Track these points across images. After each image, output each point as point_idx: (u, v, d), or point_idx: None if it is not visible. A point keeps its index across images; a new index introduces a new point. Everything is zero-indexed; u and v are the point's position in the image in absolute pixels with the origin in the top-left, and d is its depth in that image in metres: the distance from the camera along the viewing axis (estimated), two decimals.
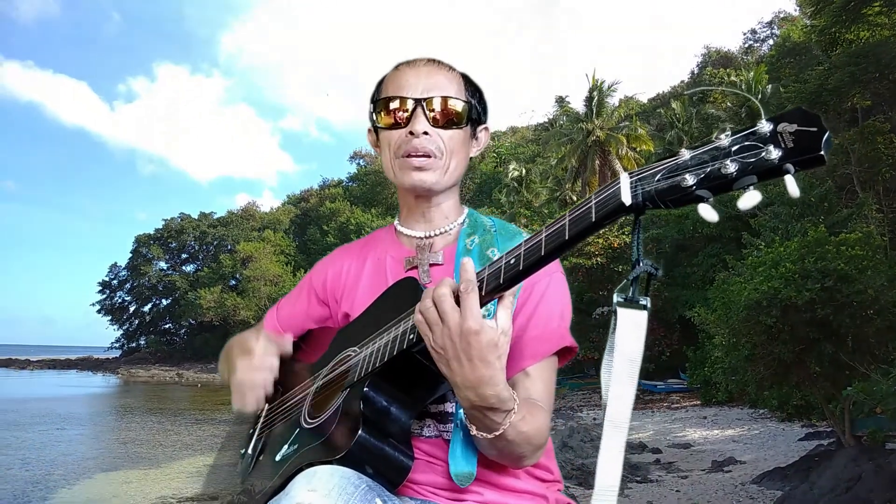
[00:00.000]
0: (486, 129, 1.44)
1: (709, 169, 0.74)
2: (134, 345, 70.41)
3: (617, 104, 33.30)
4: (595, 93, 31.21)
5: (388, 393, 1.14)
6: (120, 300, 72.00)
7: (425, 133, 1.29)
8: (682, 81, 47.51)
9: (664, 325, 22.33)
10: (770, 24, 45.85)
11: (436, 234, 1.38)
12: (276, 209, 70.34)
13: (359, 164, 66.58)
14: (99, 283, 72.20)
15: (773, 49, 29.40)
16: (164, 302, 68.66)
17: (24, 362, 72.08)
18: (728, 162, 0.73)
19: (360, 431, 1.07)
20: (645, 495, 7.99)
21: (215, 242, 67.80)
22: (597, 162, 30.07)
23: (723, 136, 0.75)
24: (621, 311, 0.83)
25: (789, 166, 0.70)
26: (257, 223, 66.99)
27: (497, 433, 1.07)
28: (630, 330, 0.83)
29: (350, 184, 65.15)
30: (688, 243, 22.75)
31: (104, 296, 71.89)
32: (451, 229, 1.39)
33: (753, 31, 47.89)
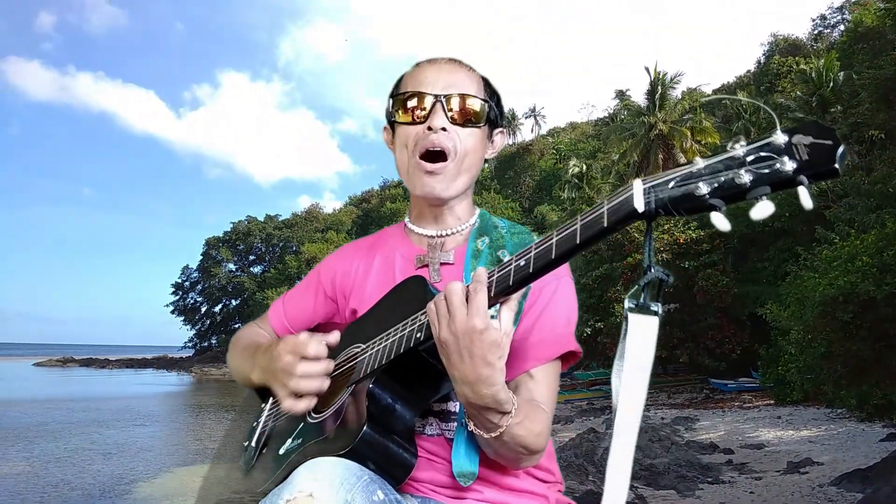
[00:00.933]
0: (502, 132, 1.44)
1: (723, 178, 0.75)
2: (206, 344, 72.78)
3: (680, 96, 32.52)
4: (657, 85, 30.57)
5: (394, 390, 1.15)
6: (192, 301, 74.60)
7: (443, 129, 1.29)
8: (749, 71, 46.09)
9: (734, 322, 21.71)
10: (841, 8, 44.09)
11: (447, 234, 1.39)
12: (339, 210, 71.66)
13: None
14: (172, 284, 75.03)
15: (845, 35, 28.23)
16: (234, 302, 70.77)
17: (103, 361, 75.43)
18: (742, 172, 0.73)
19: (364, 427, 1.08)
20: (717, 497, 7.80)
21: (281, 244, 69.48)
22: (660, 156, 29.44)
23: (737, 145, 0.75)
24: (632, 317, 0.82)
25: (803, 178, 0.70)
26: (321, 224, 68.31)
27: (494, 434, 1.09)
28: (641, 336, 0.82)
29: None
30: (757, 237, 22.03)
31: (177, 297, 74.63)
32: (462, 230, 1.40)
33: (823, 17, 46.18)
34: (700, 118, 29.56)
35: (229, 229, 73.72)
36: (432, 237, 1.39)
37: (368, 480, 1.03)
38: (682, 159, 28.64)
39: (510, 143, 72.41)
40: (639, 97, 34.28)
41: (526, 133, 75.84)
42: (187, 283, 75.15)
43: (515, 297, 1.03)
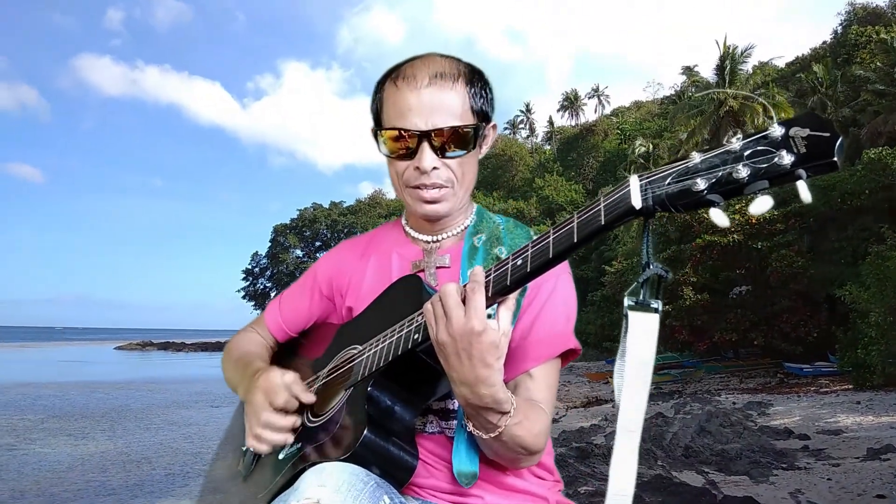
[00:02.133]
0: (494, 126, 1.36)
1: (720, 173, 0.74)
2: None
3: (751, 71, 31.33)
4: (727, 60, 29.52)
5: (393, 392, 1.14)
6: (262, 286, 76.87)
7: (434, 168, 1.24)
8: (825, 42, 43.94)
9: (810, 304, 20.91)
10: None
11: (444, 238, 1.37)
12: None
13: None
14: (243, 270, 77.37)
15: None
16: None
17: (180, 345, 78.57)
18: (740, 166, 0.72)
19: (365, 431, 1.07)
20: (792, 483, 7.56)
21: (345, 230, 70.64)
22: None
23: (734, 139, 0.74)
24: (632, 315, 0.81)
25: (802, 172, 0.69)
26: (384, 210, 69.06)
27: (493, 434, 1.08)
28: (641, 333, 0.81)
29: None
30: (836, 216, 21.11)
31: (248, 283, 77.04)
32: (458, 231, 1.37)
33: None
34: (773, 93, 28.42)
35: (295, 216, 75.46)
36: (428, 242, 1.37)
37: (374, 486, 1.02)
38: None
39: (573, 124, 71.43)
40: (707, 73, 33.15)
41: (589, 113, 74.72)
42: (257, 269, 77.45)
43: (513, 296, 1.02)
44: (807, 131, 0.69)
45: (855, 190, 20.18)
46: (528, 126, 76.18)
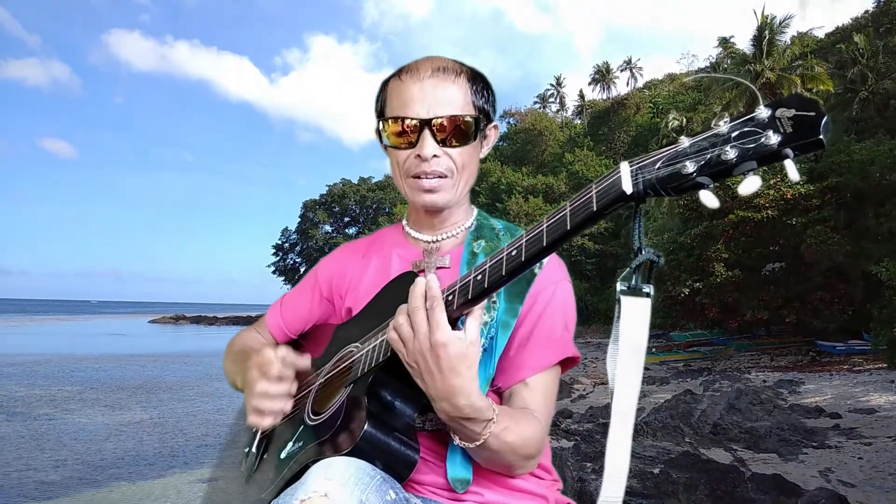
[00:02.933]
0: (496, 126, 1.38)
1: (709, 156, 0.75)
2: None
3: (789, 42, 30.47)
4: (765, 30, 28.73)
5: (392, 387, 1.14)
6: (291, 262, 77.70)
7: (435, 156, 1.25)
8: (867, 12, 42.51)
9: (844, 281, 20.49)
10: None
11: (444, 238, 1.37)
12: None
13: (509, 122, 66.26)
14: (273, 245, 78.18)
15: None
16: None
17: (212, 319, 79.96)
18: (728, 148, 0.74)
19: (366, 426, 1.07)
20: (822, 461, 7.49)
21: (374, 206, 70.91)
22: None
23: (721, 122, 0.76)
24: (625, 300, 0.82)
25: (788, 151, 0.71)
26: None
27: (478, 443, 1.08)
28: (634, 318, 0.81)
29: (500, 143, 65.08)
30: (873, 192, 20.57)
31: (278, 258, 77.87)
32: (458, 233, 1.38)
33: None
34: (811, 64, 27.62)
35: (324, 192, 75.84)
36: (428, 242, 1.38)
37: (381, 480, 1.03)
38: None
39: (604, 97, 70.41)
40: (744, 44, 32.30)
41: (621, 87, 73.56)
42: (287, 245, 78.22)
43: (479, 306, 1.03)
44: (792, 111, 0.71)
45: (894, 165, 19.64)
46: (558, 100, 75.23)
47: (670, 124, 34.86)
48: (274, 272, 78.01)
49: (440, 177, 1.28)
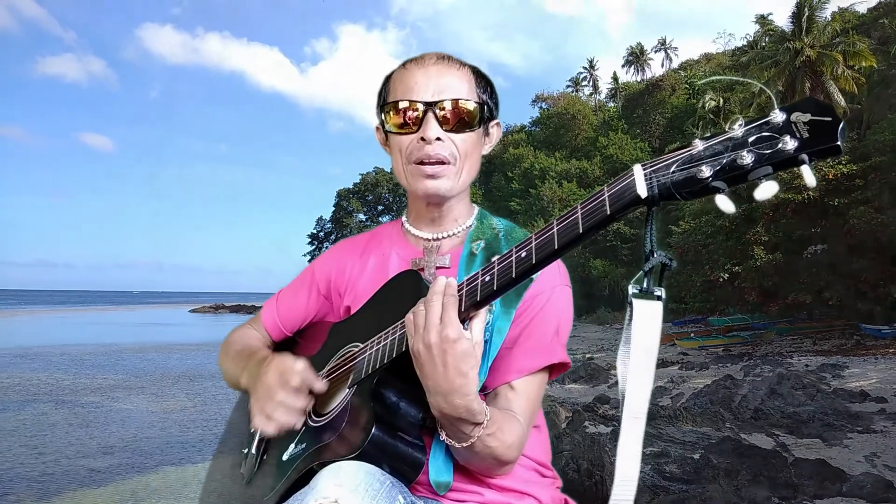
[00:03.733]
0: (498, 124, 1.39)
1: (724, 160, 0.74)
2: None
3: (830, 17, 29.58)
4: (804, 6, 27.93)
5: (398, 388, 1.14)
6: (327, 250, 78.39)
7: (438, 139, 1.25)
8: None
9: (890, 262, 19.92)
10: None
11: (444, 237, 1.36)
12: None
13: (541, 107, 65.70)
14: (308, 235, 78.98)
15: None
16: None
17: (250, 308, 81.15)
18: (744, 153, 0.72)
19: (373, 429, 1.06)
20: (867, 446, 7.34)
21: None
22: (807, 85, 27.09)
23: (736, 126, 0.75)
24: (637, 303, 0.81)
25: (805, 156, 0.70)
26: None
27: (465, 444, 1.09)
28: (646, 321, 0.80)
29: (533, 128, 64.58)
30: None
31: (313, 247, 78.63)
32: (458, 232, 1.36)
33: None
34: (853, 40, 26.78)
35: (358, 181, 76.24)
36: (428, 240, 1.36)
37: (390, 486, 1.03)
38: (833, 88, 26.27)
39: (638, 79, 69.30)
40: (783, 21, 31.43)
41: (656, 68, 72.33)
42: (322, 234, 78.91)
43: (484, 308, 1.04)
44: (808, 116, 0.70)
45: None
46: (591, 83, 74.29)
47: (707, 105, 34.20)
48: (310, 261, 78.84)
49: (442, 162, 1.27)
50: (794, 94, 27.17)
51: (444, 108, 1.25)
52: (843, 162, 20.90)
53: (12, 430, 10.98)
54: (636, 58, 73.64)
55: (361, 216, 75.75)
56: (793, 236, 21.67)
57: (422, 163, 1.27)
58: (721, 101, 34.09)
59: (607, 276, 39.37)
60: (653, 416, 7.97)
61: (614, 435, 7.58)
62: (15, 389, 15.28)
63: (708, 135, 0.78)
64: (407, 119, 1.27)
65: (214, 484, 1.51)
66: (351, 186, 77.19)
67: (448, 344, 1.00)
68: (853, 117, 26.53)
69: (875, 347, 16.97)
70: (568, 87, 74.32)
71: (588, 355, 19.89)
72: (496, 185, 56.99)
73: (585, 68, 75.11)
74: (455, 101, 1.26)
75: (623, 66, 74.68)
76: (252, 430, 1.38)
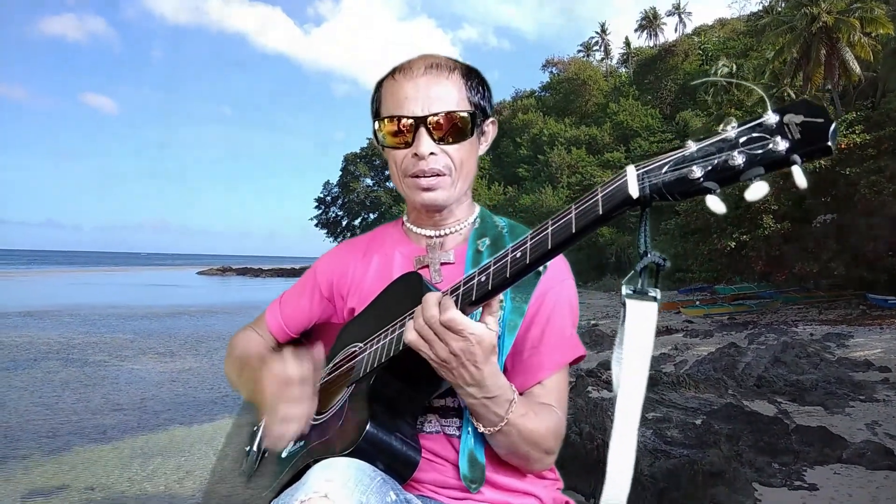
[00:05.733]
0: (493, 122, 1.38)
1: (716, 161, 0.75)
2: None
3: None
4: None
5: (395, 387, 1.15)
6: (334, 215, 78.45)
7: (432, 153, 1.25)
8: None
9: None
10: None
11: (446, 234, 1.37)
12: None
13: (551, 72, 64.93)
14: (315, 199, 78.94)
15: None
16: (372, 216, 73.64)
17: (257, 271, 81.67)
18: (735, 154, 0.74)
19: (368, 426, 1.08)
20: (869, 414, 7.37)
21: None
22: (822, 52, 26.62)
23: (728, 127, 0.76)
24: (630, 303, 0.82)
25: (796, 157, 0.71)
26: None
27: (499, 426, 1.11)
28: (640, 322, 0.81)
29: (542, 94, 63.90)
30: None
31: (320, 211, 78.69)
32: (461, 229, 1.37)
33: None
34: (871, 6, 26.23)
35: (365, 145, 75.86)
36: (431, 237, 1.37)
37: (381, 481, 1.03)
38: (849, 55, 25.81)
39: (651, 45, 68.28)
40: None
41: (669, 33, 71.18)
42: (329, 198, 78.87)
43: (496, 302, 1.06)
44: (801, 118, 0.71)
45: None
46: (602, 48, 73.23)
47: (720, 71, 33.73)
48: (316, 225, 78.99)
49: (438, 175, 1.27)
50: (809, 61, 26.74)
51: (436, 122, 1.24)
52: (857, 131, 20.65)
53: (23, 387, 11.15)
54: (649, 22, 72.41)
55: (369, 181, 75.56)
56: (802, 205, 21.51)
57: (417, 176, 1.28)
58: (734, 67, 33.57)
59: (614, 244, 39.28)
60: (655, 382, 8.01)
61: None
62: (25, 348, 15.48)
63: (701, 136, 0.79)
64: (399, 134, 1.26)
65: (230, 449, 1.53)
66: (358, 151, 76.85)
67: (475, 347, 1.03)
68: (868, 85, 26.12)
69: (881, 317, 16.96)
70: (579, 51, 73.37)
71: (593, 322, 19.96)
72: (504, 151, 56.65)
73: (597, 33, 74.00)
74: (447, 114, 1.25)
75: (635, 30, 73.57)
76: (254, 429, 1.42)
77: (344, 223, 77.56)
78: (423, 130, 1.24)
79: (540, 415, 1.15)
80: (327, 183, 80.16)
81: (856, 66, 26.03)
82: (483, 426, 1.12)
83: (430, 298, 1.05)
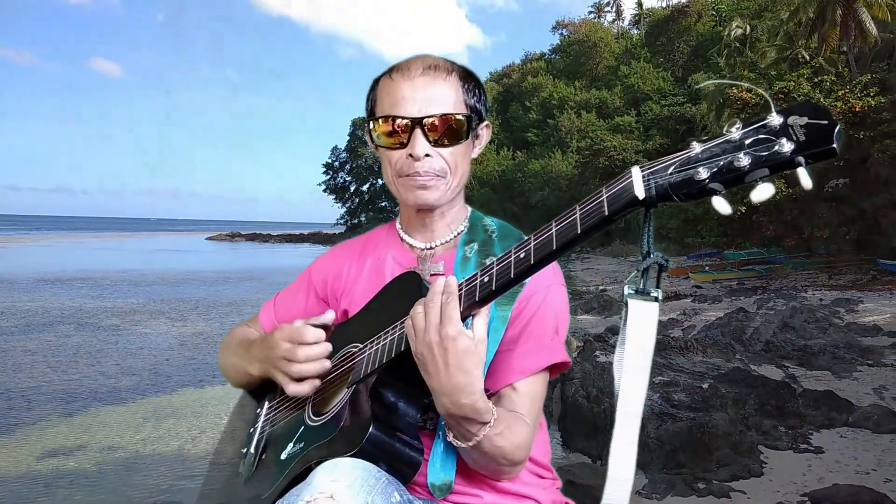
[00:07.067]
0: (488, 126, 1.37)
1: (721, 162, 0.76)
2: (356, 221, 76.76)
3: None
4: None
5: (396, 388, 1.14)
6: (342, 180, 78.19)
7: (427, 155, 1.24)
8: None
9: None
10: None
11: (437, 245, 1.36)
12: None
13: (561, 34, 63.94)
14: (323, 164, 78.72)
15: None
16: (380, 182, 73.35)
17: (266, 236, 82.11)
18: (741, 155, 0.74)
19: (371, 428, 1.07)
20: (877, 379, 7.39)
21: None
22: (838, 12, 26.05)
23: (733, 129, 0.77)
24: (633, 303, 0.83)
25: (801, 159, 0.72)
26: None
27: (471, 443, 1.08)
28: (642, 322, 0.82)
29: (552, 56, 63.02)
30: None
31: (328, 176, 78.46)
32: (451, 239, 1.36)
33: None
34: None
35: None
36: (422, 249, 1.36)
37: (386, 482, 1.04)
38: (865, 15, 25.25)
39: (663, 5, 67.02)
40: None
41: None
42: (336, 163, 78.57)
43: (486, 307, 1.05)
44: (805, 119, 0.72)
45: None
46: (614, 9, 71.91)
47: (733, 33, 33.10)
48: (325, 191, 78.79)
49: (433, 176, 1.27)
50: (824, 21, 26.17)
51: (431, 124, 1.24)
52: (871, 94, 20.30)
53: (36, 351, 11.33)
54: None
55: None
56: (814, 169, 21.25)
57: (411, 177, 1.27)
58: (748, 28, 32.94)
59: None
60: (663, 346, 8.03)
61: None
62: (38, 312, 15.68)
63: (705, 138, 0.79)
64: (395, 134, 1.26)
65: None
66: (366, 116, 76.41)
67: (449, 342, 1.01)
68: (884, 46, 25.62)
69: (891, 283, 16.88)
70: (590, 13, 72.06)
71: (601, 287, 19.97)
72: (513, 115, 56.10)
73: None
74: (443, 116, 1.24)
75: None
76: (250, 430, 1.41)
77: (352, 188, 77.42)
78: (418, 132, 1.24)
79: (512, 429, 1.13)
80: (335, 148, 79.79)
81: (872, 27, 25.47)
82: (453, 437, 1.11)
83: (438, 282, 1.05)
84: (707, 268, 22.99)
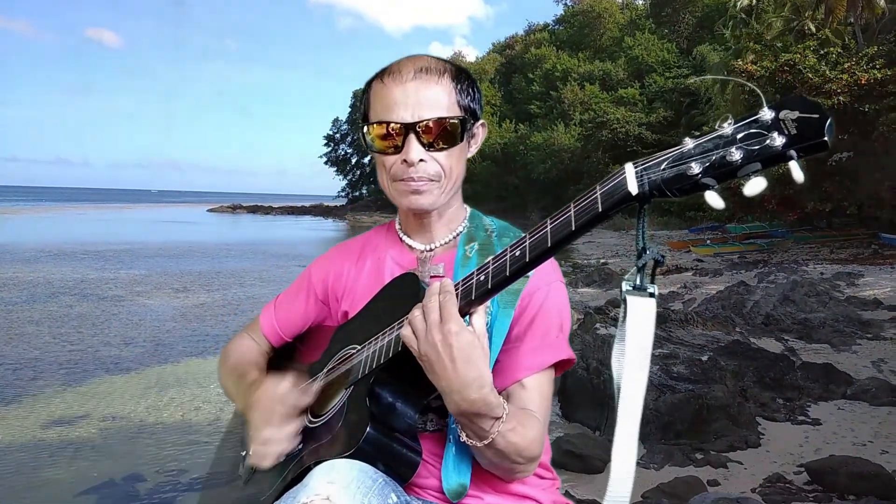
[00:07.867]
0: (483, 124, 1.36)
1: (713, 157, 0.77)
2: (357, 193, 76.65)
3: None
4: None
5: (394, 388, 1.14)
6: (343, 152, 77.85)
7: (421, 160, 1.23)
8: None
9: None
10: None
11: (437, 246, 1.36)
12: (482, 59, 69.80)
13: (565, 4, 63.14)
14: (324, 136, 78.36)
15: None
16: None
17: (267, 208, 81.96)
18: (733, 150, 0.75)
19: (368, 428, 1.07)
20: (875, 352, 7.43)
21: None
22: None
23: (725, 124, 0.78)
24: (630, 300, 0.83)
25: (793, 153, 0.73)
26: None
27: (486, 441, 1.08)
28: (640, 318, 0.82)
29: (556, 27, 62.31)
30: None
31: (329, 148, 78.13)
32: (450, 240, 1.36)
33: None
34: None
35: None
36: (421, 251, 1.36)
37: (383, 483, 1.04)
38: None
39: None
40: None
41: None
42: (338, 136, 78.18)
43: (483, 305, 1.05)
44: (796, 113, 0.73)
45: None
46: None
47: (739, 3, 32.67)
48: (326, 163, 78.53)
49: (428, 181, 1.26)
50: None
51: (425, 127, 1.23)
52: (878, 66, 20.09)
53: (39, 321, 11.39)
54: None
55: None
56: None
57: (406, 181, 1.27)
58: None
59: None
60: (664, 319, 8.06)
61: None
62: (41, 284, 15.73)
63: (698, 133, 0.80)
64: (388, 139, 1.25)
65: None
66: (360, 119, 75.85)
67: (452, 337, 1.01)
68: (891, 18, 25.28)
69: (892, 257, 16.88)
70: None
71: (602, 260, 20.00)
72: (516, 87, 55.66)
73: None
74: (437, 120, 1.23)
75: None
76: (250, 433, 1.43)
77: (353, 161, 77.10)
78: (412, 137, 1.23)
79: (525, 425, 1.13)
80: (336, 120, 79.38)
81: None
82: (467, 437, 1.11)
83: (433, 285, 1.05)
84: (708, 241, 23.01)
